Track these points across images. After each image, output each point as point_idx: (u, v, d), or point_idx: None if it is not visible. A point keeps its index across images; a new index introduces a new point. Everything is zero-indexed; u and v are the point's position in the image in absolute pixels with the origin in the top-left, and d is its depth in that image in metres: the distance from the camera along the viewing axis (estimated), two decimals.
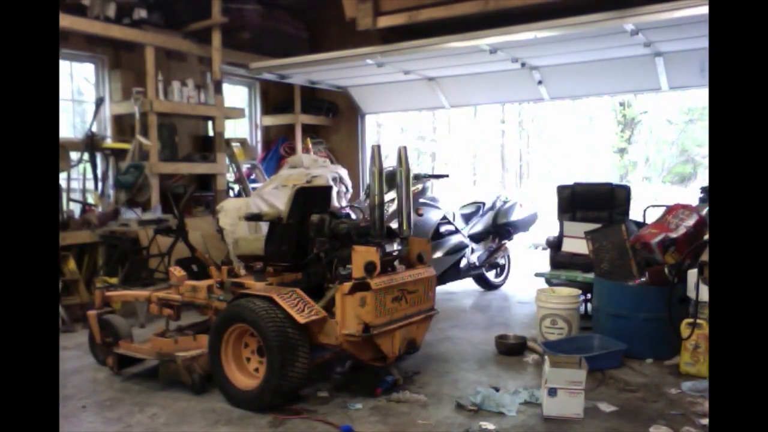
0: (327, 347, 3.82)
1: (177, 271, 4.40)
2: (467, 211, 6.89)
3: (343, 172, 7.63)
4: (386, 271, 3.77)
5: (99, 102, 6.71)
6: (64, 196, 6.21)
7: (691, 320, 4.09)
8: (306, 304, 3.62)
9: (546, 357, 3.71)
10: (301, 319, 3.53)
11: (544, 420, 3.47)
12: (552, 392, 3.46)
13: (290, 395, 3.63)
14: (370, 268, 3.57)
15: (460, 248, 6.31)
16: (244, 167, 8.08)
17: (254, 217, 4.30)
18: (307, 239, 4.06)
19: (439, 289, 5.11)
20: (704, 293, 4.00)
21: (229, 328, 3.74)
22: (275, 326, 3.51)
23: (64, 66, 6.65)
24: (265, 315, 3.54)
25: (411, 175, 4.04)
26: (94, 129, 6.57)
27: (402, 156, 3.97)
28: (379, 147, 3.91)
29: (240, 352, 3.79)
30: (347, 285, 3.59)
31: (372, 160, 3.85)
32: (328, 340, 3.69)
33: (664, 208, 4.95)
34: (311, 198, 4.17)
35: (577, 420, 3.43)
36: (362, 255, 3.60)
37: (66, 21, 5.89)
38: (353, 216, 8.34)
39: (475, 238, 6.70)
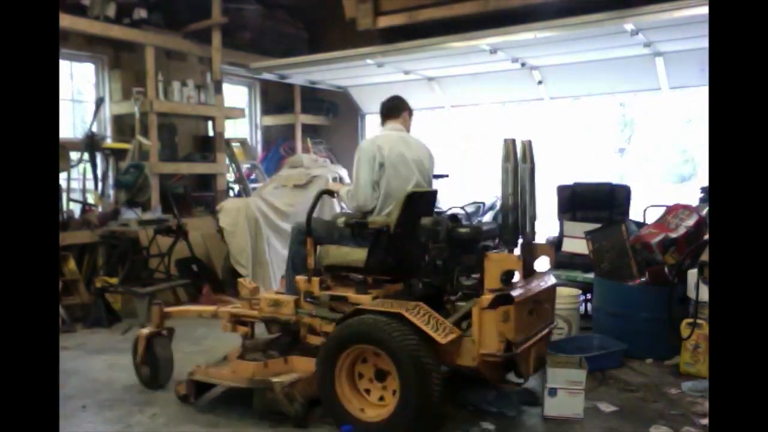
0: (462, 369, 3.33)
1: (248, 283, 3.98)
2: (467, 211, 6.89)
3: (343, 172, 7.62)
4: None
5: (99, 102, 6.70)
6: (64, 196, 6.20)
7: (691, 320, 4.10)
8: (438, 321, 3.16)
9: (547, 357, 3.71)
10: (441, 339, 3.07)
11: (544, 420, 3.47)
12: (552, 392, 3.46)
13: (428, 424, 3.21)
14: (507, 277, 3.15)
15: None
16: (244, 167, 8.08)
17: (359, 225, 3.73)
18: (416, 247, 3.59)
19: None
20: (704, 293, 4.01)
21: (347, 350, 3.27)
22: (410, 347, 3.06)
23: (64, 66, 6.65)
24: (398, 335, 3.08)
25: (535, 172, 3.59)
26: (94, 129, 6.56)
27: (527, 150, 3.51)
28: (513, 141, 3.38)
29: (354, 379, 3.36)
30: (488, 298, 3.12)
31: (506, 155, 3.35)
32: (463, 362, 3.22)
33: (664, 208, 4.95)
34: (420, 203, 3.69)
35: (577, 420, 3.43)
36: (498, 263, 3.16)
37: (66, 21, 5.88)
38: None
39: None
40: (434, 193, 3.98)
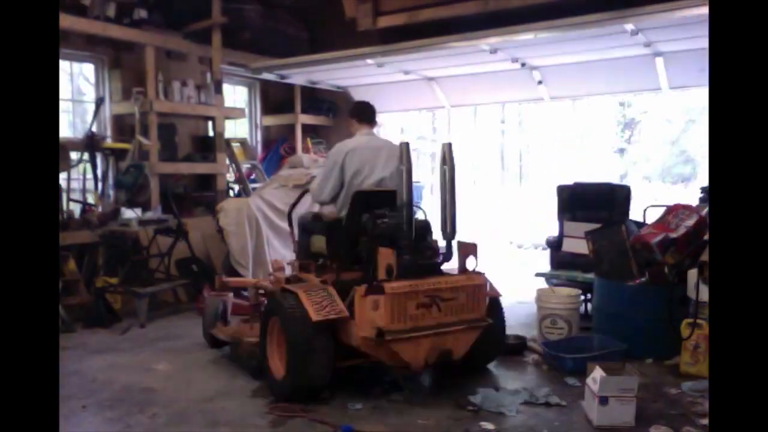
0: (350, 349, 3.75)
1: (276, 263, 4.81)
2: None
3: None
4: (422, 276, 3.67)
5: (99, 102, 6.70)
6: (64, 196, 6.21)
7: (691, 320, 4.10)
8: (331, 303, 3.63)
9: (596, 365, 3.54)
10: (315, 317, 3.54)
11: (545, 421, 3.47)
12: (603, 401, 3.31)
13: (308, 394, 3.67)
14: (389, 270, 3.51)
15: None
16: (244, 167, 8.08)
17: (315, 218, 4.37)
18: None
19: None
20: (704, 293, 4.01)
21: (270, 320, 3.92)
22: (295, 322, 3.58)
23: (64, 66, 6.64)
24: (289, 310, 3.64)
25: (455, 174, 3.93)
26: (94, 129, 6.57)
27: (446, 153, 3.86)
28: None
29: (283, 344, 3.84)
30: (363, 287, 3.57)
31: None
32: (348, 341, 3.69)
33: (664, 208, 4.95)
34: (373, 201, 4.02)
35: (628, 428, 3.31)
36: (383, 257, 3.55)
37: (66, 21, 5.88)
38: None
39: None
40: (392, 192, 4.15)
